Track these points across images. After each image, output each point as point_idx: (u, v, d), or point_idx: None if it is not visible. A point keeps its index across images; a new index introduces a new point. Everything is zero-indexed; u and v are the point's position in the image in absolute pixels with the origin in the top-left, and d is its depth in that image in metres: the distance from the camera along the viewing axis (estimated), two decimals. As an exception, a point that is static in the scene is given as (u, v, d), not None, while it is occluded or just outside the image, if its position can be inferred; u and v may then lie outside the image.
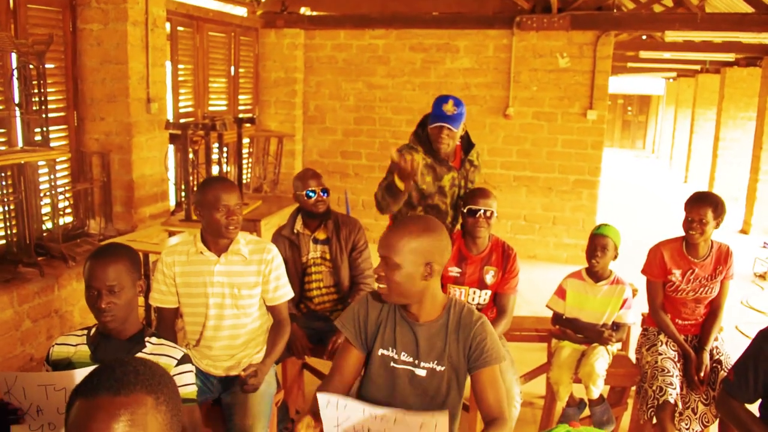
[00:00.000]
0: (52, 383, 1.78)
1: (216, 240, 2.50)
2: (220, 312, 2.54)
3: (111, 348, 1.99)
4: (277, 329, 2.65)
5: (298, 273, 3.24)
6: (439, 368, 1.91)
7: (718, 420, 2.91)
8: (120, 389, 1.06)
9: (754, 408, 2.26)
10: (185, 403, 1.90)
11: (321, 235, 3.23)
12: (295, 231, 3.23)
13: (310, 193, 3.13)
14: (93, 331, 2.06)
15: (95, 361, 1.96)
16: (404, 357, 1.94)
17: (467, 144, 3.35)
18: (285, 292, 2.63)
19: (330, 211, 3.25)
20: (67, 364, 1.99)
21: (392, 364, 1.96)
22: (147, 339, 2.03)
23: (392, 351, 1.97)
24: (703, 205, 2.97)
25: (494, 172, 6.88)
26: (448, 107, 3.06)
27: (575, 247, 6.75)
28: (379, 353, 1.98)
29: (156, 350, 1.99)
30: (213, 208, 2.42)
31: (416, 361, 1.93)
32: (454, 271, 3.03)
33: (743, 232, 8.67)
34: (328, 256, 3.25)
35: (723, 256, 3.09)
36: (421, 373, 1.92)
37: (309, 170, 3.25)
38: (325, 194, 3.17)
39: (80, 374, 1.67)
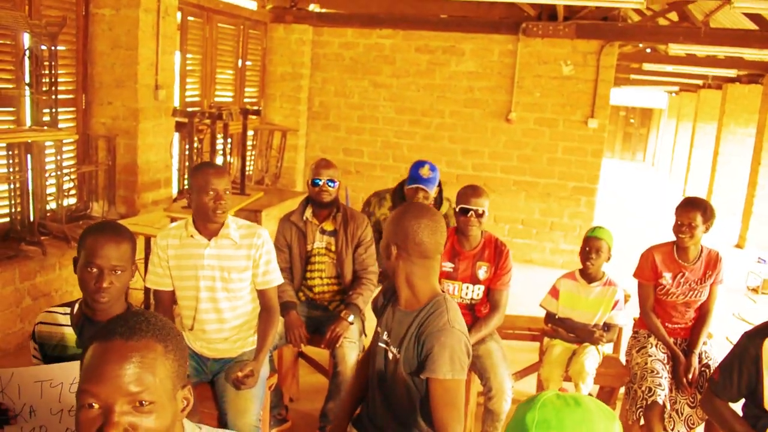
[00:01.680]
0: (48, 378, 1.73)
1: (206, 224, 2.55)
2: (212, 295, 2.58)
3: None
4: (266, 318, 2.66)
5: (301, 260, 3.29)
6: (398, 356, 1.91)
7: (704, 423, 2.97)
8: (132, 335, 1.15)
9: (737, 407, 2.33)
10: None
11: (329, 227, 3.28)
12: (304, 218, 3.27)
13: (317, 181, 3.18)
14: (76, 310, 1.99)
15: (80, 347, 1.88)
16: (385, 336, 1.99)
17: (438, 204, 3.68)
18: (274, 278, 2.67)
19: (338, 203, 3.29)
20: (55, 346, 1.97)
21: (378, 341, 2.02)
22: None
23: (380, 328, 2.04)
24: (692, 209, 3.04)
25: (494, 175, 6.94)
26: (425, 171, 3.43)
27: (571, 253, 6.79)
28: (378, 329, 2.06)
29: None
30: (202, 191, 2.46)
31: (390, 344, 1.97)
32: (447, 266, 3.09)
33: (738, 246, 8.74)
34: (333, 248, 3.29)
35: (713, 262, 3.16)
36: (390, 356, 1.96)
37: (323, 160, 3.31)
38: (332, 185, 3.20)
39: (76, 367, 1.64)
